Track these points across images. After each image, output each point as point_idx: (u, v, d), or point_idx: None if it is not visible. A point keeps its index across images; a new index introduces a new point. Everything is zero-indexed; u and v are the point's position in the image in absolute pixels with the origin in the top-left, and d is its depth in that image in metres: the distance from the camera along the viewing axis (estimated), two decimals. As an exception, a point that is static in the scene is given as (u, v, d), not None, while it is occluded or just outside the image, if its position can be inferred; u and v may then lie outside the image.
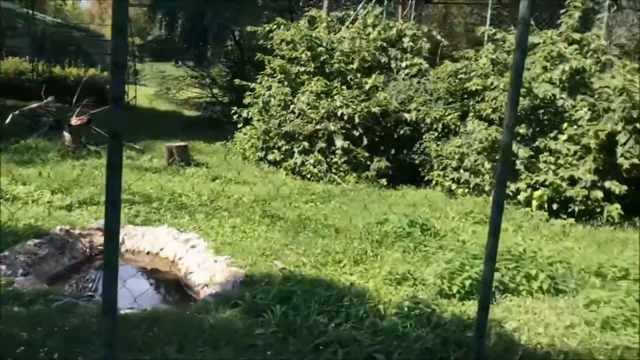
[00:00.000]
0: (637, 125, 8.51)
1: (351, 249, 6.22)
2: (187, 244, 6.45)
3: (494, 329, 4.50)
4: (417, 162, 11.17)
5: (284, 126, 11.33)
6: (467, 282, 5.25)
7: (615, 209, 8.54)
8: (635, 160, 8.47)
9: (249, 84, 12.86)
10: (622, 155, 8.59)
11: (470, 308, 5.05)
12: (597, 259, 6.59)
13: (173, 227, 6.93)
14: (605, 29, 11.04)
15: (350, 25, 12.44)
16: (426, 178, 10.91)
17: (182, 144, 11.49)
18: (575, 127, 9.05)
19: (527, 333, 4.63)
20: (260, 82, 12.57)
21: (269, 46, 12.62)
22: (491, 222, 2.81)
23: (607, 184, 8.66)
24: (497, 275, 5.58)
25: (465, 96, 10.76)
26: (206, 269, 5.77)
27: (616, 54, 10.87)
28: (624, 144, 8.58)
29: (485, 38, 11.20)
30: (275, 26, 12.82)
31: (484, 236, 7.46)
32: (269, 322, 4.14)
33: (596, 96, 9.30)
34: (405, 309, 4.49)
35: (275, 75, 12.28)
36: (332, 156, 11.02)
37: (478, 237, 7.33)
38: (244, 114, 12.55)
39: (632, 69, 9.76)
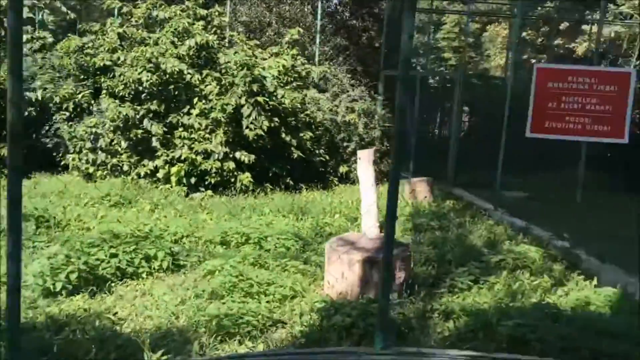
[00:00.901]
0: (258, 98, 9.15)
1: None
2: None
3: (95, 323, 4.16)
4: (50, 145, 10.12)
5: None
6: (74, 276, 4.80)
7: (246, 177, 9.10)
8: (259, 131, 9.12)
9: None
10: (247, 127, 9.15)
11: (77, 303, 4.63)
12: (225, 228, 6.82)
13: None
14: (230, 7, 11.60)
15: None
16: (62, 162, 9.98)
17: None
18: (205, 101, 9.28)
19: (136, 319, 4.43)
20: None
21: None
22: (8, 218, 2.41)
23: (238, 154, 9.14)
24: (113, 261, 5.27)
25: (98, 72, 10.09)
26: None
27: (241, 31, 11.55)
28: (248, 116, 9.15)
29: (116, 12, 10.64)
30: None
31: (112, 219, 7.13)
32: None
33: (223, 71, 9.71)
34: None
35: None
36: None
37: (107, 222, 6.91)
38: None
39: (253, 45, 10.47)
